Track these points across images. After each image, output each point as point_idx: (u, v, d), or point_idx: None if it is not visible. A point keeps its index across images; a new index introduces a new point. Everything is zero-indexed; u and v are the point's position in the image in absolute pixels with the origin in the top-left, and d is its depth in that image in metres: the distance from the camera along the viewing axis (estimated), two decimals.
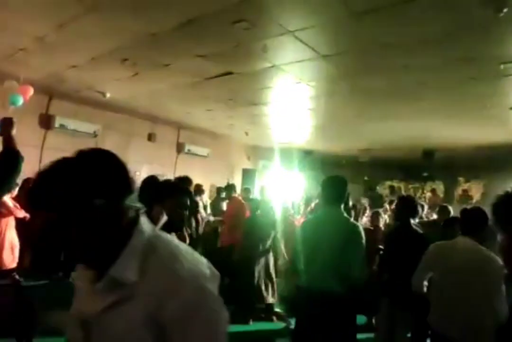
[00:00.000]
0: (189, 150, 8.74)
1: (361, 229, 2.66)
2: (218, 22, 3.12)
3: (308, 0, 2.77)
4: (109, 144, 7.31)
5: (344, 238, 2.58)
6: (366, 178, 12.02)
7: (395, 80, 4.46)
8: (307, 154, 10.26)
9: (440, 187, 11.09)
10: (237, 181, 10.29)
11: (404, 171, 11.48)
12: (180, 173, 8.56)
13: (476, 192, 9.87)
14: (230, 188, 6.09)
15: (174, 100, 6.15)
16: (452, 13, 2.78)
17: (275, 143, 9.82)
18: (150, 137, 8.07)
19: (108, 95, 5.88)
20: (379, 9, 2.78)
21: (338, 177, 2.89)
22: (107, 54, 4.14)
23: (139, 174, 7.94)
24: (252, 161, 10.80)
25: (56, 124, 6.44)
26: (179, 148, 8.70)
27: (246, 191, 6.94)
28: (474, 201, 9.82)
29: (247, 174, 10.15)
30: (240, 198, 6.18)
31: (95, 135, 7.04)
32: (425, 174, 11.28)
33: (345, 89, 4.95)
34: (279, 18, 3.05)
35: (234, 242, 5.10)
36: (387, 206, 7.42)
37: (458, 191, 10.53)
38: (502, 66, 3.70)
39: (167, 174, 8.38)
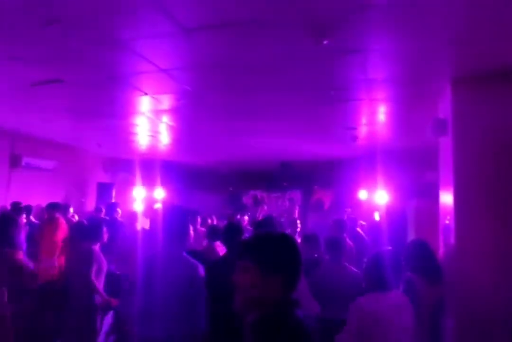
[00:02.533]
0: (28, 163, 7.47)
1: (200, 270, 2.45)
2: (23, 19, 2.59)
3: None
4: None
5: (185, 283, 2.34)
6: (230, 189, 12.25)
7: (244, 98, 4.50)
8: (168, 166, 9.91)
9: (298, 196, 11.97)
10: (92, 196, 9.33)
11: (266, 181, 12.04)
12: (16, 191, 7.30)
13: (327, 199, 10.86)
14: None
15: (2, 106, 5.16)
16: (279, 42, 2.85)
17: (135, 155, 9.24)
18: None
19: None
20: (210, 27, 2.66)
21: (176, 209, 2.67)
22: None
23: None
24: (110, 174, 9.91)
25: None
26: (14, 161, 7.36)
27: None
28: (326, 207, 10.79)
29: (103, 188, 9.26)
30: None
31: None
32: (285, 184, 12.04)
33: (196, 105, 4.82)
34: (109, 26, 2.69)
35: None
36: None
37: (313, 199, 11.47)
38: (332, 92, 4.02)
39: None
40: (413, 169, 7.10)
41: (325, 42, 2.73)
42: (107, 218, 6.28)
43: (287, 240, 1.31)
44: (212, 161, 10.01)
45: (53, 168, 7.97)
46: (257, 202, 12.22)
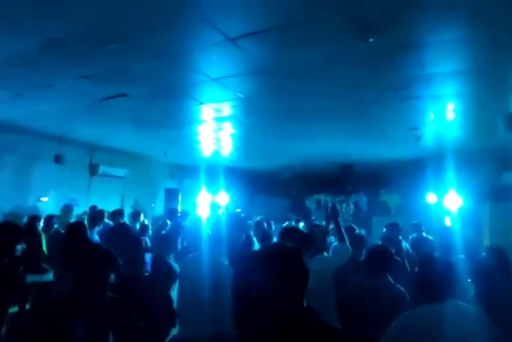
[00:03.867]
0: (104, 172, 8.17)
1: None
2: (86, 42, 2.86)
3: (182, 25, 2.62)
4: (7, 168, 6.61)
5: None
6: (294, 193, 12.19)
7: (298, 102, 4.48)
8: (232, 171, 10.15)
9: (363, 199, 11.55)
10: (160, 202, 9.89)
11: (329, 185, 11.80)
12: (94, 196, 8.00)
13: (393, 203, 10.36)
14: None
15: (77, 121, 5.71)
16: (325, 43, 2.80)
17: (199, 162, 9.62)
18: (57, 159, 7.42)
19: None
20: (253, 34, 2.71)
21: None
22: None
23: (46, 199, 7.30)
24: (176, 180, 10.43)
25: None
26: (93, 170, 8.11)
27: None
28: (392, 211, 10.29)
29: (171, 194, 9.77)
30: None
31: None
32: (349, 187, 11.69)
33: (251, 111, 4.91)
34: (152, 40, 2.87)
35: None
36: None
37: (379, 203, 11.01)
38: (387, 92, 3.85)
39: (79, 198, 7.79)
40: (487, 170, 6.49)
41: (370, 40, 2.64)
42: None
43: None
44: (273, 166, 10.05)
45: (125, 175, 8.63)
46: (320, 207, 12.05)
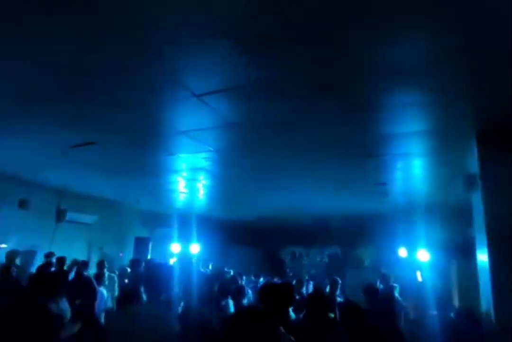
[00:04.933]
0: (71, 218, 7.90)
1: None
2: (56, 90, 2.92)
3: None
4: None
5: None
6: (268, 244, 11.98)
7: (268, 156, 4.58)
8: (206, 221, 9.99)
9: (338, 252, 11.44)
10: (129, 250, 9.52)
11: (303, 237, 11.69)
12: (59, 243, 7.65)
13: (366, 256, 10.29)
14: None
15: (46, 166, 5.63)
16: (289, 101, 2.94)
17: (172, 210, 9.47)
18: (22, 204, 7.17)
19: None
20: (219, 92, 2.83)
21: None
22: None
23: (5, 245, 6.91)
24: (149, 228, 10.16)
25: None
26: (59, 216, 7.83)
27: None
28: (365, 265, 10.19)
29: (141, 243, 9.45)
30: None
31: None
32: (323, 239, 11.61)
33: (223, 164, 4.98)
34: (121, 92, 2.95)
35: None
36: None
37: (353, 255, 10.90)
38: (356, 149, 3.99)
39: (43, 245, 7.43)
40: (454, 226, 6.62)
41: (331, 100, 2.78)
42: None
43: None
44: (248, 216, 9.98)
45: (93, 222, 8.36)
46: (294, 259, 11.83)
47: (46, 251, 7.32)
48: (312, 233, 10.84)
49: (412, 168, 4.95)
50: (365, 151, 4.19)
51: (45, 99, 3.12)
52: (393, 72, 2.48)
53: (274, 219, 10.05)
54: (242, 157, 4.65)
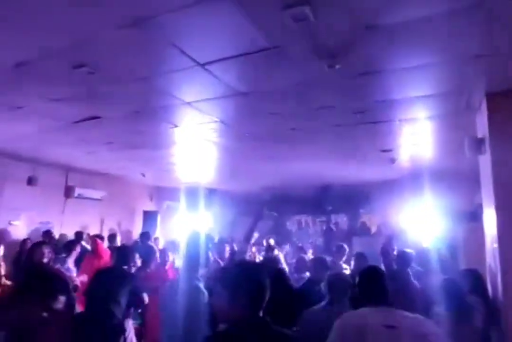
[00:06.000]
0: (80, 194, 8.01)
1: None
2: (56, 65, 2.85)
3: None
4: None
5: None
6: (275, 214, 12.14)
7: (273, 125, 4.53)
8: (212, 193, 10.10)
9: (344, 220, 11.59)
10: (138, 224, 9.69)
11: (309, 206, 11.81)
12: (69, 219, 7.80)
13: (373, 224, 10.40)
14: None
15: (51, 143, 5.62)
16: (294, 68, 2.87)
17: (178, 183, 9.54)
18: (31, 181, 7.24)
19: None
20: (224, 60, 2.76)
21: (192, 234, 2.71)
22: None
23: (18, 222, 7.05)
24: (156, 202, 10.29)
25: None
26: (68, 192, 7.93)
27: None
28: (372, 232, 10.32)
29: (149, 216, 9.60)
30: None
31: None
32: (330, 208, 11.73)
33: (228, 134, 4.93)
34: (120, 65, 2.89)
35: None
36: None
37: (359, 223, 11.03)
38: (358, 116, 3.94)
39: (53, 221, 7.58)
40: (462, 191, 6.63)
41: (337, 66, 2.71)
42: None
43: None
44: (253, 187, 10.04)
45: (102, 198, 8.47)
46: (301, 228, 12.02)
47: (57, 226, 7.51)
48: (318, 201, 10.93)
49: (419, 133, 4.90)
50: (371, 117, 4.13)
51: (44, 74, 3.07)
52: (402, 32, 2.40)
53: (280, 188, 10.11)
54: (247, 128, 4.61)
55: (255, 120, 4.33)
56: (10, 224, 6.88)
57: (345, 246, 5.42)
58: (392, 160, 5.98)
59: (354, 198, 10.18)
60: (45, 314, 1.53)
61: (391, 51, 2.67)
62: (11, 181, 6.92)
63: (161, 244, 7.49)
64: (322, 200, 10.65)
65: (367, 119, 4.11)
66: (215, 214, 10.66)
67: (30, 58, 2.79)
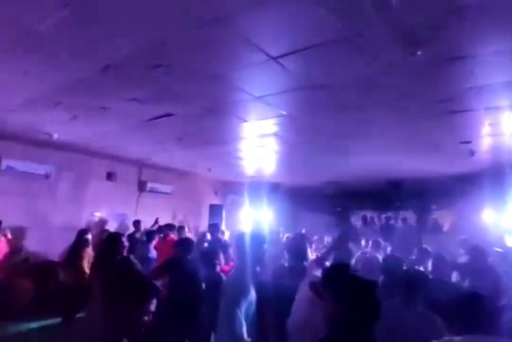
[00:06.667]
0: (151, 188, 8.48)
1: None
2: (136, 67, 3.01)
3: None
4: (63, 185, 7.03)
5: None
6: (338, 209, 11.90)
7: (343, 118, 4.41)
8: (275, 187, 10.13)
9: (412, 216, 11.02)
10: (205, 217, 10.03)
11: (375, 201, 11.39)
12: (142, 211, 8.29)
13: (446, 220, 9.77)
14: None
15: (127, 140, 5.99)
16: (371, 58, 2.75)
17: (242, 178, 9.71)
18: (110, 176, 7.81)
19: (55, 136, 5.69)
20: (296, 52, 2.72)
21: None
22: (40, 98, 3.99)
23: (99, 213, 7.65)
24: (220, 196, 10.58)
25: (3, 167, 6.14)
26: (141, 186, 8.44)
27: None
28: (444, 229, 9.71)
29: (215, 210, 9.90)
30: None
31: (47, 176, 6.75)
32: (397, 203, 11.22)
33: (296, 128, 4.90)
34: (196, 63, 2.97)
35: None
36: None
37: (430, 220, 10.43)
38: (439, 105, 3.69)
39: (128, 213, 8.11)
40: None
41: (419, 53, 2.55)
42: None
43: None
44: (318, 181, 9.90)
45: (171, 192, 8.89)
46: (366, 223, 11.64)
47: (132, 218, 8.02)
48: (385, 196, 10.51)
49: (502, 123, 4.48)
50: (453, 107, 3.85)
51: (126, 76, 3.26)
52: (488, 14, 2.19)
53: (344, 182, 9.86)
54: (316, 120, 4.52)
55: (324, 113, 4.24)
56: (92, 215, 7.49)
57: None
58: (471, 153, 5.54)
59: (425, 193, 9.62)
60: (146, 318, 1.62)
61: (477, 35, 2.46)
62: (94, 176, 7.51)
63: (226, 236, 7.69)
64: (389, 194, 10.22)
65: (449, 108, 3.83)
66: (278, 208, 10.69)
67: (114, 60, 2.97)
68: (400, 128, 4.72)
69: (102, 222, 7.55)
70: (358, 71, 3.00)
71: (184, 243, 4.32)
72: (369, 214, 12.00)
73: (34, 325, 5.01)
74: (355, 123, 4.52)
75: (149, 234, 6.07)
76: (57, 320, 4.78)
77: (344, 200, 11.40)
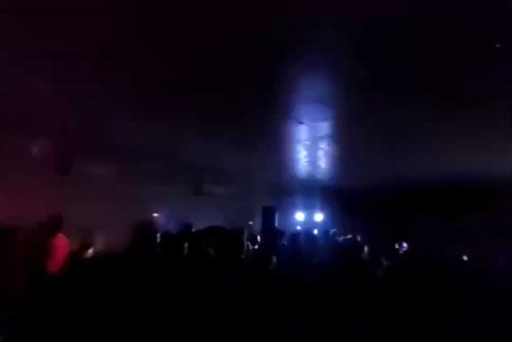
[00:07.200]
0: (206, 190, 8.63)
1: None
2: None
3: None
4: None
5: None
6: (399, 215, 11.23)
7: (401, 119, 4.18)
8: (329, 190, 9.86)
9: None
10: (258, 219, 10.01)
11: (439, 206, 10.60)
12: (198, 214, 8.41)
13: None
14: None
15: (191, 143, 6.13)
16: None
17: (296, 180, 9.58)
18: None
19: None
20: None
21: None
22: None
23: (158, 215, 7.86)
24: (274, 198, 10.51)
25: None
26: (197, 188, 8.59)
27: None
28: None
29: (268, 212, 9.85)
30: None
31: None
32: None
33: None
34: None
35: None
36: None
37: None
38: None
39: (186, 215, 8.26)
40: None
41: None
42: None
43: None
44: (373, 185, 9.50)
45: (225, 193, 8.99)
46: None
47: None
48: (449, 199, 9.77)
49: None
50: None
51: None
52: None
53: (403, 186, 9.36)
54: (372, 121, 4.34)
55: (382, 112, 4.05)
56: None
57: None
58: None
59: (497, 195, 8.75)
60: None
61: None
62: None
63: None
64: (455, 197, 9.50)
65: None
66: (331, 211, 10.43)
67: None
68: (466, 123, 4.36)
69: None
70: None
71: None
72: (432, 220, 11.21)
73: None
74: (416, 122, 4.25)
75: None
76: None
77: (403, 204, 10.70)
